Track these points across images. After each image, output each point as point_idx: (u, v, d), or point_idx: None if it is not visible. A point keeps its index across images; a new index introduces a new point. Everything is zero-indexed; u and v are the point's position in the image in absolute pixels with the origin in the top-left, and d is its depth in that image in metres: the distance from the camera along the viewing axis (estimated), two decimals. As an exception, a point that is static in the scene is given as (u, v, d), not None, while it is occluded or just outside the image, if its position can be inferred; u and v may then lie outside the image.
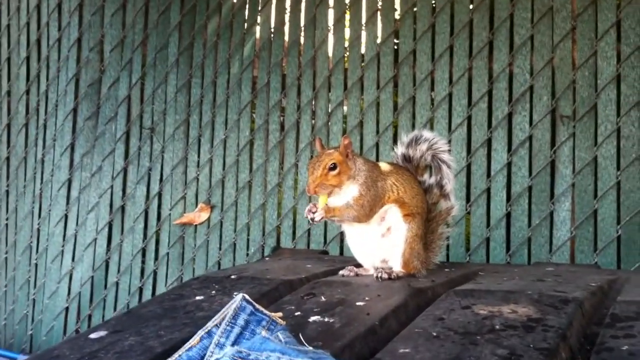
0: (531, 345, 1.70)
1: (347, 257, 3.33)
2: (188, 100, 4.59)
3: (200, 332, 1.63)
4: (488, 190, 3.74)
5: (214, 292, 2.42)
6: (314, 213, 2.40)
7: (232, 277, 2.58)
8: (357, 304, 2.14)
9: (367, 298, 2.20)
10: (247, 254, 4.34)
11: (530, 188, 3.66)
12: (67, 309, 4.78)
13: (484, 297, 2.13)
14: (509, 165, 3.71)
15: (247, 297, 1.59)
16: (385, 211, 2.48)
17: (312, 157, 2.22)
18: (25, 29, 5.20)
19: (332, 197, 2.41)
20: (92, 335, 2.02)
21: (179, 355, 1.59)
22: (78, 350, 1.91)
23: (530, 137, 3.68)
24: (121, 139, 4.73)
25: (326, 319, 2.01)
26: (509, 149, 3.72)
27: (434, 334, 1.82)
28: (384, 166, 2.54)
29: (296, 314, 2.09)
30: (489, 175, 3.75)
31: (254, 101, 4.43)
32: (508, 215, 3.70)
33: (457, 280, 2.52)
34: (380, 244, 2.50)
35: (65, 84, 4.97)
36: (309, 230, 4.18)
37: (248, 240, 4.36)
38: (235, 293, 2.36)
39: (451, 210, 2.66)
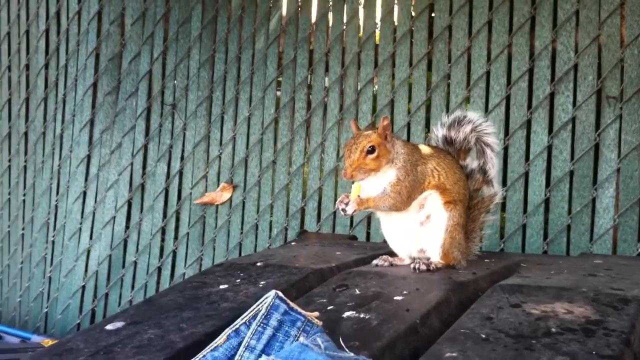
0: (594, 352, 1.53)
1: (377, 244, 3.18)
2: (211, 76, 4.45)
3: (228, 331, 1.47)
4: (526, 174, 3.55)
5: (238, 280, 2.27)
6: (346, 205, 2.23)
7: (258, 264, 2.43)
8: (395, 298, 1.98)
9: (405, 292, 2.03)
10: (270, 237, 4.21)
11: (571, 173, 3.47)
12: (83, 287, 4.69)
13: (534, 294, 1.95)
14: (549, 148, 3.52)
15: (280, 294, 1.43)
16: (425, 198, 2.31)
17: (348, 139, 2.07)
18: (44, 2, 5.07)
19: (367, 182, 2.24)
20: (109, 327, 1.88)
21: (204, 356, 1.43)
22: (93, 343, 1.77)
23: (573, 119, 3.48)
24: (142, 116, 4.61)
25: (362, 315, 1.85)
26: (550, 131, 3.52)
27: (483, 336, 1.65)
28: (424, 149, 2.36)
29: (329, 307, 1.93)
30: (527, 158, 3.56)
31: (279, 78, 4.29)
32: (547, 201, 3.51)
33: (499, 272, 2.35)
34: (419, 233, 2.33)
35: (85, 58, 4.84)
36: (334, 212, 4.03)
37: (271, 222, 4.23)
38: (261, 282, 2.22)
39: (494, 197, 2.49)
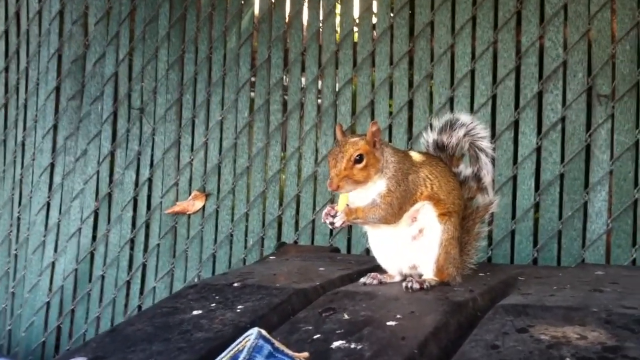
0: (619, 388, 1.35)
1: (362, 257, 3.00)
2: (181, 78, 4.25)
3: (202, 377, 1.26)
4: (514, 177, 3.39)
5: (213, 304, 2.06)
6: (333, 217, 2.04)
7: (235, 284, 2.23)
8: (388, 323, 1.78)
9: (398, 316, 1.84)
10: (245, 247, 4.01)
11: (562, 176, 3.31)
12: (48, 303, 4.49)
13: (541, 316, 1.77)
14: (538, 150, 3.36)
15: (263, 332, 1.23)
16: (417, 210, 2.13)
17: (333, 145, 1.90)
18: (3, 1, 4.85)
19: (355, 193, 2.05)
20: (68, 365, 1.66)
21: (175, 407, 1.22)
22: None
23: (562, 119, 3.32)
24: (108, 121, 4.41)
25: (353, 345, 1.65)
26: (539, 132, 3.36)
27: (492, 369, 1.46)
28: (415, 156, 2.18)
29: (315, 337, 1.73)
30: (515, 161, 3.40)
31: (253, 79, 4.10)
32: (536, 206, 3.36)
33: (497, 288, 2.17)
34: (410, 247, 2.15)
35: (47, 60, 4.65)
36: (313, 221, 3.84)
37: (246, 231, 4.03)
38: (239, 307, 2.02)
39: (490, 206, 2.32)
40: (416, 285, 2.06)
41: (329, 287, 2.19)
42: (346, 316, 1.85)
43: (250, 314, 1.94)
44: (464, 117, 2.27)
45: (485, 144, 2.26)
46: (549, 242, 3.31)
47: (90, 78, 4.49)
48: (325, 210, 2.08)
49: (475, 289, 2.11)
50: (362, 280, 2.19)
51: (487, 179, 2.29)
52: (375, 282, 2.17)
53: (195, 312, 2.00)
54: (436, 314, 1.84)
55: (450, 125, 2.26)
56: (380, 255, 2.24)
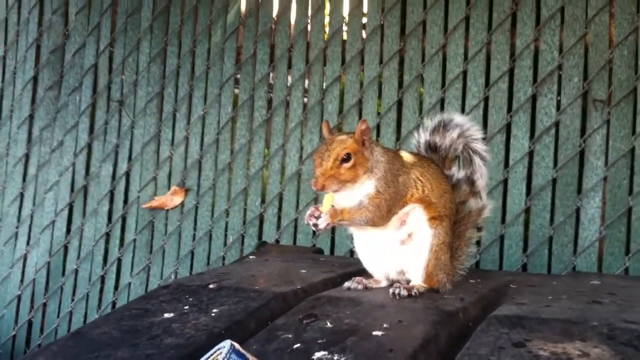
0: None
1: (346, 259, 2.89)
2: (162, 71, 4.15)
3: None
4: (505, 181, 3.29)
5: (187, 307, 1.93)
6: (317, 218, 1.92)
7: (211, 286, 2.10)
8: (374, 333, 1.66)
9: (385, 325, 1.71)
10: (225, 245, 3.91)
11: (554, 181, 3.22)
12: (19, 296, 4.40)
13: (537, 329, 1.66)
14: (530, 154, 3.27)
15: (236, 346, 1.10)
16: (407, 213, 2.01)
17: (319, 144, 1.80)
18: (-20, -11, 4.76)
19: (341, 194, 1.93)
20: (25, 369, 1.53)
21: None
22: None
23: (557, 123, 3.24)
24: (86, 112, 4.33)
25: (336, 357, 1.54)
26: (532, 136, 3.27)
27: (487, 388, 1.34)
28: (406, 157, 2.06)
29: (295, 346, 1.60)
30: (506, 165, 3.31)
31: (237, 74, 3.99)
32: (527, 211, 3.27)
33: (489, 297, 2.06)
34: (399, 252, 2.02)
35: (25, 50, 4.57)
36: (295, 220, 3.73)
37: (226, 228, 3.93)
38: (214, 310, 1.90)
39: (483, 210, 2.21)
40: (404, 292, 1.94)
41: (311, 292, 2.07)
42: (329, 324, 1.73)
43: (226, 318, 1.81)
44: (458, 118, 2.15)
45: (480, 146, 2.15)
46: (540, 248, 3.23)
47: (69, 69, 4.42)
48: (308, 212, 1.95)
49: (466, 297, 2.00)
50: (347, 284, 2.06)
51: (480, 182, 2.17)
52: (360, 287, 2.05)
53: (166, 315, 1.86)
54: (425, 324, 1.72)
55: (444, 126, 2.14)
56: (366, 259, 2.11)
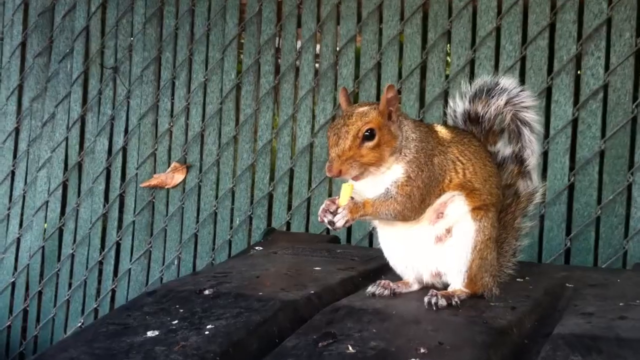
0: None
1: (367, 250, 2.58)
2: (159, 34, 3.96)
3: None
4: (545, 154, 3.00)
5: (176, 321, 1.61)
6: (333, 214, 1.58)
7: (206, 292, 1.77)
8: (410, 362, 1.31)
9: (422, 350, 1.37)
10: (231, 227, 3.68)
11: (602, 153, 2.96)
12: (13, 284, 4.25)
13: (618, 354, 1.30)
14: (574, 122, 3.01)
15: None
16: (445, 203, 1.70)
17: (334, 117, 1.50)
18: (-38, -55, 4.59)
19: (363, 181, 1.61)
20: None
21: None
22: None
23: (605, 86, 2.95)
24: (78, 81, 4.15)
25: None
26: (576, 102, 3.01)
27: None
28: (442, 132, 1.72)
29: (308, 382, 1.25)
30: (547, 135, 3.02)
31: (241, 36, 3.77)
32: (571, 188, 3.01)
33: (544, 303, 1.73)
34: (434, 251, 1.71)
35: (11, 13, 4.38)
36: (308, 199, 3.50)
37: (232, 209, 3.74)
38: (208, 326, 1.59)
39: (534, 195, 1.88)
40: (442, 302, 1.59)
41: (326, 298, 1.74)
42: (350, 348, 1.38)
43: (222, 338, 1.47)
44: (505, 81, 1.84)
45: (532, 115, 1.83)
46: (585, 230, 2.98)
47: (59, 33, 4.23)
48: (322, 206, 1.65)
49: (518, 304, 1.66)
50: (370, 290, 1.73)
51: (531, 160, 1.86)
52: (387, 292, 1.71)
53: (149, 334, 1.53)
54: (473, 346, 1.38)
55: (487, 91, 1.80)
56: (394, 258, 1.79)
